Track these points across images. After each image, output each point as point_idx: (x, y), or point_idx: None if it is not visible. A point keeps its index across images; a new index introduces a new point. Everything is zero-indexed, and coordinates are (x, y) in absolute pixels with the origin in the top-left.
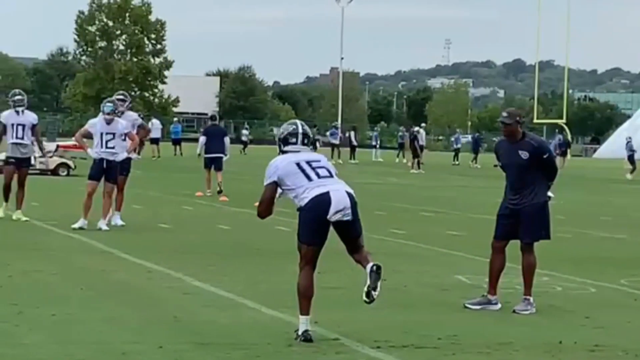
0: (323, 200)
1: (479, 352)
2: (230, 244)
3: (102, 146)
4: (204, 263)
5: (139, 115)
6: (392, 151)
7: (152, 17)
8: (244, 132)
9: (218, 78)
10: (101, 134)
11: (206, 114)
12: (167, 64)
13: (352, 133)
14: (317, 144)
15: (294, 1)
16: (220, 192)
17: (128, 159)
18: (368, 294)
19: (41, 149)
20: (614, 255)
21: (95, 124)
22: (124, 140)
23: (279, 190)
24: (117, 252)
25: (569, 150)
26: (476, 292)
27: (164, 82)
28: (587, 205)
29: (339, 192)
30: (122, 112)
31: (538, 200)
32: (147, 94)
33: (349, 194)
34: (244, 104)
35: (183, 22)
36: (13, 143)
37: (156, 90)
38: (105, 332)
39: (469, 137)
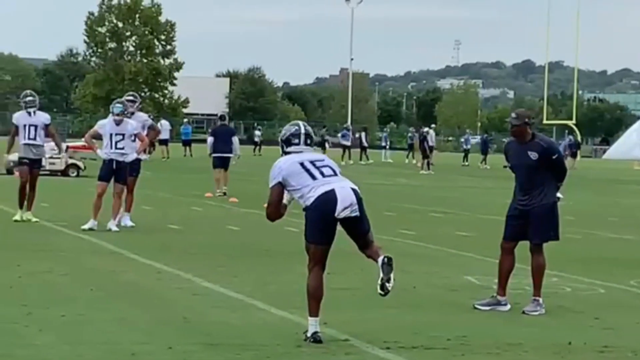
0: (329, 198)
1: (488, 352)
2: (239, 244)
3: (111, 147)
4: (213, 264)
5: (149, 116)
6: (401, 152)
7: (162, 18)
8: (257, 132)
9: (228, 79)
10: (110, 135)
11: (216, 115)
12: (177, 66)
13: (363, 134)
14: (327, 145)
15: (304, 2)
16: (224, 194)
17: (138, 160)
18: (382, 287)
19: (59, 146)
20: (623, 256)
21: (104, 125)
22: (134, 141)
23: (289, 196)
24: (126, 252)
25: (578, 152)
26: (485, 293)
27: (173, 84)
28: (596, 206)
29: (344, 189)
30: (132, 113)
31: (547, 201)
32: (157, 95)
33: (354, 190)
34: (254, 105)
35: (193, 22)
36: (25, 144)
37: (166, 92)
38: (114, 332)
39: (478, 138)
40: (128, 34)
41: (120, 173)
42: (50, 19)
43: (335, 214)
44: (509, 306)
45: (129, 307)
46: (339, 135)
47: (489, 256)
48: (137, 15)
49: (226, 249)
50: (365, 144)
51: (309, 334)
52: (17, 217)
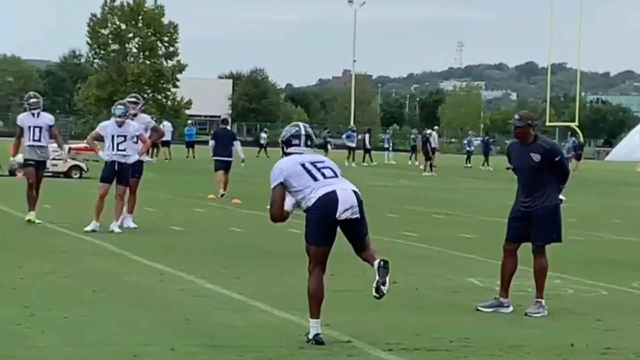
0: (330, 199)
1: (490, 354)
2: (242, 246)
3: (113, 149)
4: (216, 265)
5: (152, 118)
6: (404, 154)
7: (165, 20)
8: (263, 135)
9: (230, 81)
10: (112, 137)
11: (219, 117)
12: (180, 68)
13: (367, 136)
14: (329, 147)
15: (306, 4)
16: (222, 195)
17: (140, 161)
18: (377, 289)
19: (61, 147)
20: (626, 258)
21: (106, 127)
22: (136, 142)
23: (293, 201)
24: (129, 254)
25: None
26: (488, 295)
27: (176, 86)
28: (599, 207)
29: (345, 191)
30: (135, 115)
31: (550, 203)
32: (159, 97)
33: (355, 192)
34: (257, 106)
35: (196, 24)
36: (30, 145)
37: (169, 93)
38: (117, 334)
39: (479, 140)
40: (131, 35)
41: (122, 175)
42: (53, 20)
43: (336, 216)
44: (511, 308)
45: (132, 308)
46: (344, 136)
47: (491, 258)
48: (140, 17)
49: (229, 250)
50: (368, 146)
51: (310, 336)
52: (30, 217)
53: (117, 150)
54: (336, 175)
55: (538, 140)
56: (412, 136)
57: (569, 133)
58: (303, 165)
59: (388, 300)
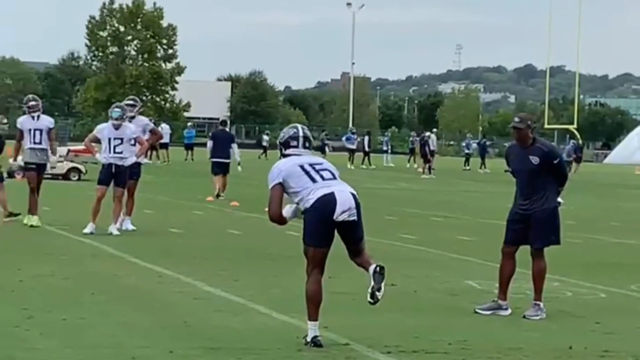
0: (329, 201)
1: (489, 357)
2: (240, 248)
3: (110, 151)
4: (214, 268)
5: (150, 120)
6: (403, 156)
7: (164, 22)
8: (265, 137)
9: (229, 83)
10: (109, 139)
11: (217, 119)
12: (179, 70)
13: (366, 138)
14: (327, 149)
15: (305, 6)
16: (218, 196)
17: (138, 164)
18: (372, 295)
19: (54, 151)
20: (624, 260)
21: (102, 130)
22: (134, 145)
23: (292, 209)
24: (127, 256)
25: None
26: (486, 297)
27: (174, 88)
28: (598, 210)
29: (343, 193)
30: (133, 117)
31: (548, 206)
32: (158, 99)
33: (353, 195)
34: (255, 108)
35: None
36: (31, 148)
37: (167, 95)
38: (116, 336)
39: (475, 143)
40: (129, 38)
41: (119, 177)
42: (52, 22)
43: (334, 217)
44: (509, 310)
45: (130, 311)
46: (344, 139)
47: (490, 260)
48: (139, 19)
49: (227, 253)
50: (367, 149)
51: (308, 339)
52: (33, 223)
53: (114, 152)
54: (335, 178)
55: (537, 142)
56: (411, 139)
57: (568, 136)
58: (302, 167)
59: (386, 302)
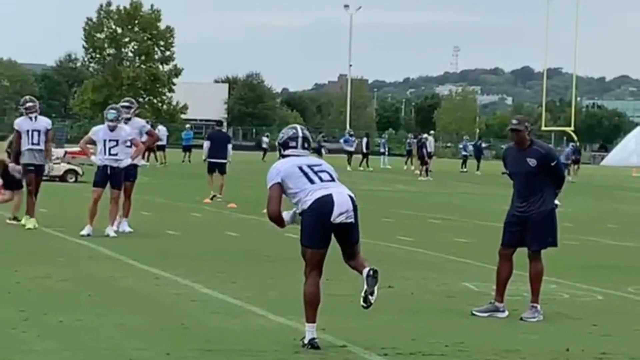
0: (326, 202)
1: (486, 359)
2: (238, 250)
3: (105, 153)
4: (212, 270)
5: (147, 122)
6: (400, 158)
7: (161, 24)
8: (264, 139)
9: (226, 85)
10: (104, 141)
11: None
12: (177, 72)
13: (365, 140)
14: (323, 151)
15: (303, 8)
16: (213, 197)
17: (134, 165)
18: (365, 299)
19: (49, 153)
20: (621, 263)
21: (98, 131)
22: (129, 146)
23: (290, 214)
24: (125, 258)
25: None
26: (483, 300)
27: (172, 90)
28: (595, 212)
29: (341, 195)
30: (129, 119)
31: (545, 208)
32: (155, 101)
33: (351, 197)
34: (253, 110)
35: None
36: (29, 149)
37: (164, 97)
38: (113, 338)
39: (471, 145)
40: (127, 39)
41: (115, 179)
42: (49, 24)
43: (332, 219)
44: (507, 312)
45: (128, 312)
46: (341, 141)
47: (487, 262)
48: (136, 21)
49: (225, 254)
50: (365, 151)
51: (306, 341)
52: (30, 225)
53: (109, 154)
54: (333, 179)
55: (534, 145)
56: (408, 141)
57: (565, 138)
58: (300, 168)
59: (383, 304)
